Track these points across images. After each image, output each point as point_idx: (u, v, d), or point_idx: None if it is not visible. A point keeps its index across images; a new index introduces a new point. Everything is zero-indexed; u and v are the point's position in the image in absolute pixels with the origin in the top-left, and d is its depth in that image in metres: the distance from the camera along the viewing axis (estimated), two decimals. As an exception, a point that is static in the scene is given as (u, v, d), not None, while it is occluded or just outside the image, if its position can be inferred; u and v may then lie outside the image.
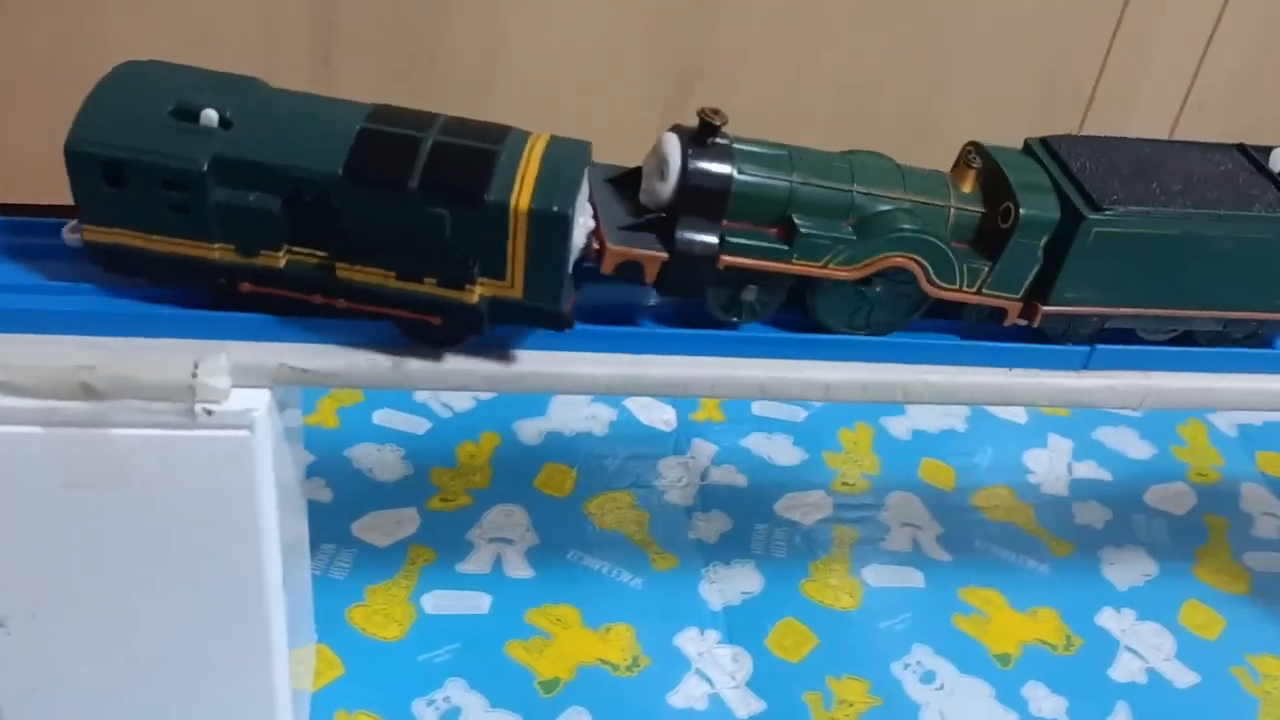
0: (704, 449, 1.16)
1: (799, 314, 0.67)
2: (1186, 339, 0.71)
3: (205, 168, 0.56)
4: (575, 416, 1.17)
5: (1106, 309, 0.67)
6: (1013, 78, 1.46)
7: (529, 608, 0.97)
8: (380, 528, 1.02)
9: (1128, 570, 1.10)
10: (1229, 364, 0.72)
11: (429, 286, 0.58)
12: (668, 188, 0.61)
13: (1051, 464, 1.21)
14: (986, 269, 0.65)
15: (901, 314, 0.67)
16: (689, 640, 0.96)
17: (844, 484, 1.15)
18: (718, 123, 0.60)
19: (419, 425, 1.14)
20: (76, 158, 0.56)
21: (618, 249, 0.60)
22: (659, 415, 1.20)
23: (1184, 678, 1.00)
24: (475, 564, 1.00)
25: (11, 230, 0.67)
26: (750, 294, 0.64)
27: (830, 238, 0.62)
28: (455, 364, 0.64)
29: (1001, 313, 0.68)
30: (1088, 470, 1.21)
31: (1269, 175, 0.70)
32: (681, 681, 0.93)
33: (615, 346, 0.66)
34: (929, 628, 1.00)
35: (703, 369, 0.67)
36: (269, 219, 0.57)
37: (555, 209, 0.56)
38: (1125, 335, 0.70)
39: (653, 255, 0.60)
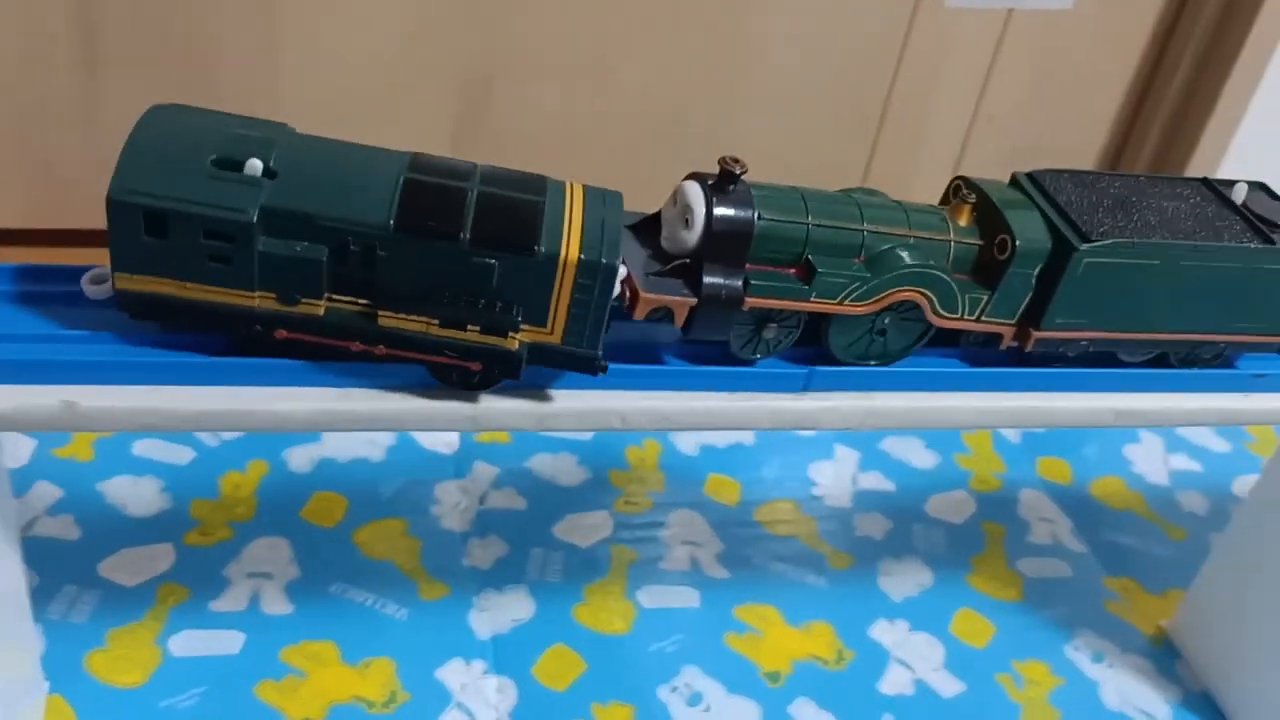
0: (485, 472, 1.14)
1: (811, 348, 0.70)
2: (1161, 360, 0.77)
3: (254, 219, 0.55)
4: (351, 441, 1.14)
5: (1092, 333, 0.72)
6: (809, 92, 1.47)
7: (285, 645, 0.93)
8: (129, 566, 0.97)
9: (904, 581, 1.11)
10: (948, 384, 0.73)
11: (471, 334, 0.60)
12: (693, 235, 0.63)
13: (837, 476, 1.22)
14: (985, 297, 0.70)
15: (907, 343, 0.71)
16: (452, 672, 0.94)
17: (627, 503, 1.14)
18: (738, 171, 0.63)
19: (182, 455, 1.09)
20: (119, 208, 0.55)
21: (651, 296, 0.63)
22: (441, 438, 1.17)
23: (950, 687, 1.01)
24: (230, 601, 0.96)
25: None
26: (770, 332, 0.67)
27: (846, 276, 0.66)
28: (137, 401, 0.61)
29: (996, 337, 0.72)
30: (872, 481, 1.23)
31: (1233, 207, 0.76)
32: (441, 716, 0.90)
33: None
34: (700, 648, 1.00)
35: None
36: (314, 268, 0.57)
37: (604, 260, 0.58)
38: (1108, 358, 0.75)
39: (682, 301, 0.63)
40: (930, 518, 1.19)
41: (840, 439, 1.27)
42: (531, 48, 1.33)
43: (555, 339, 0.61)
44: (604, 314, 0.61)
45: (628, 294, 0.63)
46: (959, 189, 0.72)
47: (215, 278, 0.57)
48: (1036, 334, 0.71)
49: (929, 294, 0.68)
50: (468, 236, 0.57)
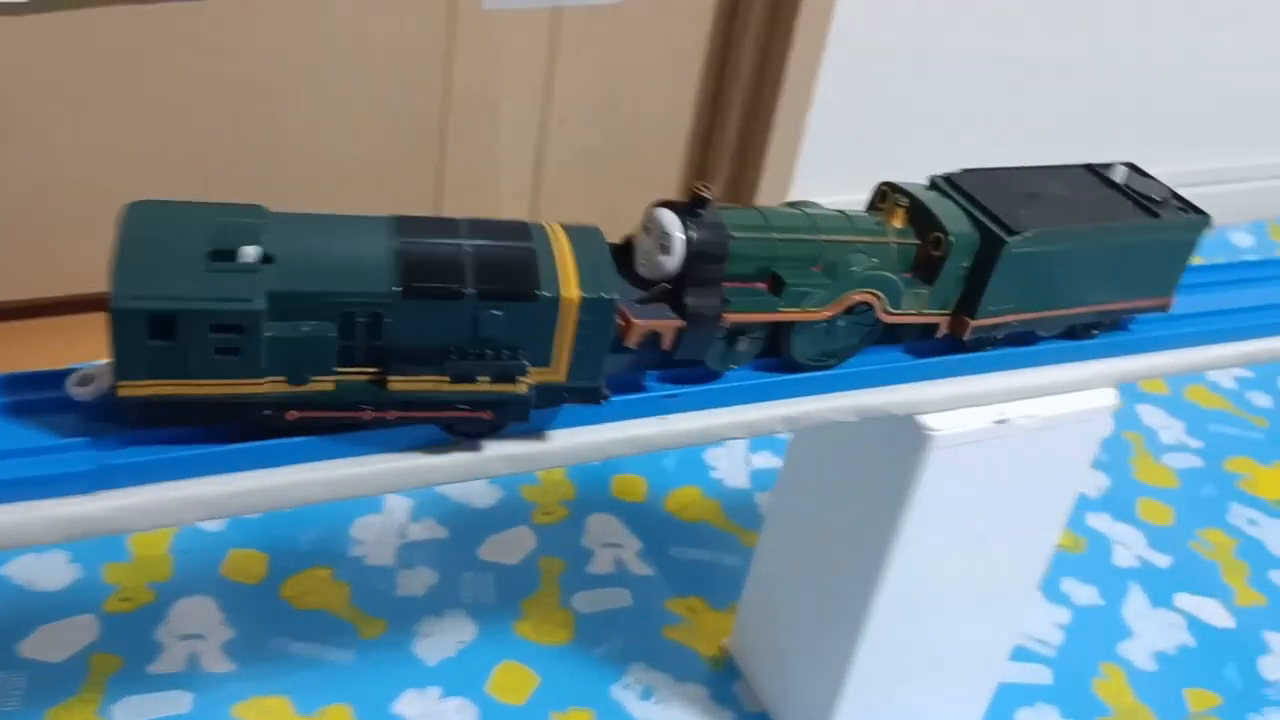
0: (-54, 589, 0.98)
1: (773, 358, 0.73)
2: (1069, 333, 0.83)
3: (262, 306, 0.55)
4: None
5: (1018, 315, 0.78)
6: (356, 110, 1.36)
7: None
8: None
9: (442, 641, 1.01)
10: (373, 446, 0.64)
11: (482, 385, 0.60)
12: (673, 260, 0.65)
13: (383, 531, 1.12)
14: (925, 292, 0.74)
15: (858, 341, 0.75)
16: None
17: (122, 600, 1.00)
18: (708, 195, 0.66)
19: None
20: (123, 315, 0.53)
21: (642, 323, 0.64)
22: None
23: (478, 757, 0.92)
24: None
25: None
26: (743, 344, 0.70)
27: (809, 284, 0.70)
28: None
29: (934, 327, 0.77)
30: (423, 531, 1.13)
31: (1116, 188, 0.83)
32: None
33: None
34: (180, 763, 0.88)
35: None
36: (323, 346, 0.57)
37: (604, 295, 0.60)
38: (1027, 337, 0.81)
39: (670, 324, 0.65)
40: (483, 563, 1.10)
41: (391, 487, 1.16)
42: (40, 76, 1.18)
43: (560, 377, 0.63)
44: (605, 346, 0.62)
45: (620, 323, 0.64)
46: (886, 194, 0.76)
47: (223, 370, 0.56)
48: (973, 322, 0.76)
49: (880, 294, 0.72)
50: (472, 291, 0.58)
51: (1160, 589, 1.21)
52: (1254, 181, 2.02)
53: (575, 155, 1.53)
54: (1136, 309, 0.84)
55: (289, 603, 1.03)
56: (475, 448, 0.64)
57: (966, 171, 0.79)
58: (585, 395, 0.64)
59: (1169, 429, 1.46)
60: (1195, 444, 1.44)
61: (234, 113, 1.30)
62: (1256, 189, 2.03)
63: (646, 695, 0.99)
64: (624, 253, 0.68)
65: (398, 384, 0.59)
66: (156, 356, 0.54)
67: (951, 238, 0.73)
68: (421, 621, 1.03)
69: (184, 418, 0.57)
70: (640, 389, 0.70)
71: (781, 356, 0.72)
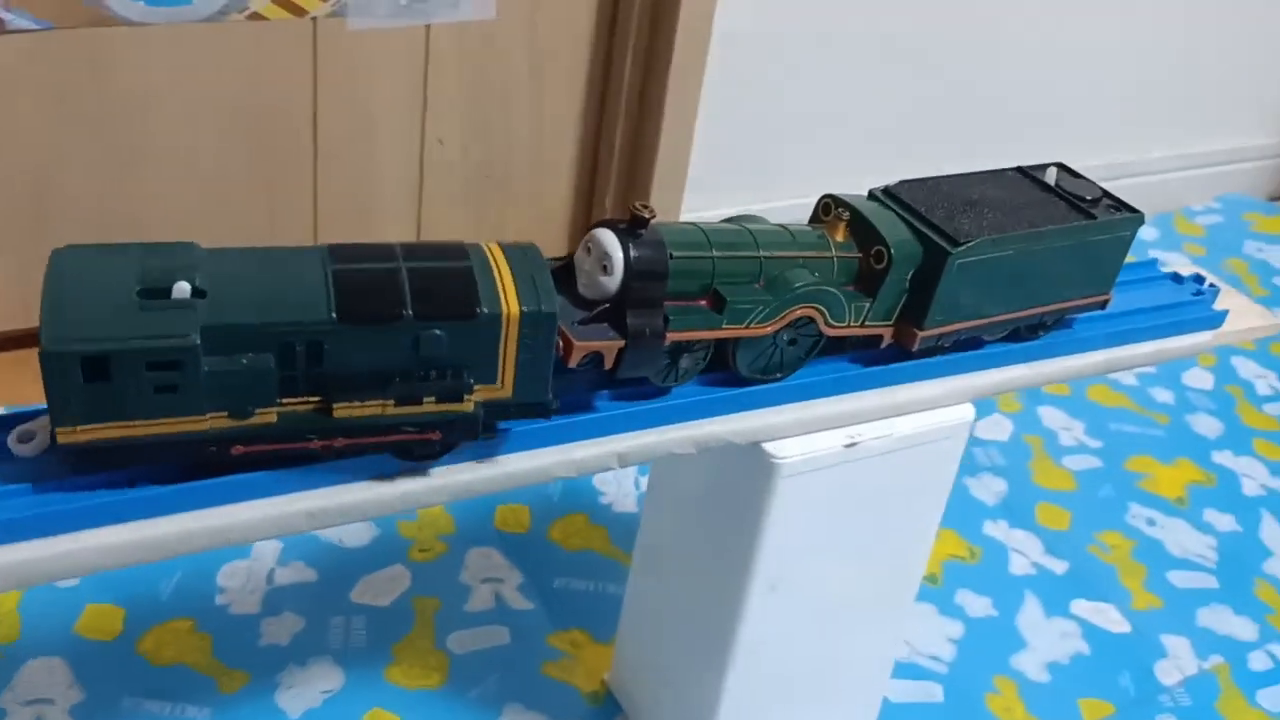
0: None
1: (719, 370, 0.73)
2: (1013, 335, 0.83)
3: (197, 341, 0.54)
4: None
5: (964, 324, 0.78)
6: (217, 143, 1.32)
7: None
8: None
9: (306, 692, 0.97)
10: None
11: (428, 406, 0.60)
12: (614, 281, 0.65)
13: (249, 576, 1.07)
14: (868, 304, 0.75)
15: (803, 354, 0.75)
16: None
17: (-30, 664, 0.95)
18: (648, 215, 0.66)
19: None
20: (54, 359, 0.52)
21: (583, 344, 0.64)
22: None
23: (338, 814, 0.88)
24: None
25: None
26: (686, 361, 0.71)
27: (751, 301, 0.70)
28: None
29: (877, 338, 0.77)
30: (291, 574, 1.09)
31: (1050, 189, 0.83)
32: None
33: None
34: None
35: None
36: (263, 377, 0.57)
37: (544, 309, 0.60)
38: (973, 342, 0.81)
39: (611, 345, 0.65)
40: (354, 605, 1.06)
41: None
42: None
43: (506, 393, 0.63)
44: (549, 360, 0.62)
45: (560, 344, 0.64)
46: (828, 207, 0.76)
47: (163, 409, 0.55)
48: (921, 334, 0.76)
49: (821, 308, 0.73)
50: (410, 313, 0.58)
51: (1056, 596, 1.19)
52: (1156, 175, 2.02)
53: (456, 173, 1.49)
54: (1079, 307, 0.85)
55: (145, 658, 0.99)
56: (425, 474, 0.64)
57: (904, 182, 0.79)
58: (533, 410, 0.64)
59: (1069, 430, 1.45)
60: (1095, 444, 1.43)
61: (99, 139, 1.25)
62: (1160, 181, 2.03)
63: (520, 738, 0.96)
64: (566, 274, 0.68)
65: (342, 410, 0.59)
66: (93, 399, 0.54)
67: (893, 251, 0.73)
68: (286, 671, 0.99)
69: (127, 460, 0.57)
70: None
71: (728, 371, 0.73)
